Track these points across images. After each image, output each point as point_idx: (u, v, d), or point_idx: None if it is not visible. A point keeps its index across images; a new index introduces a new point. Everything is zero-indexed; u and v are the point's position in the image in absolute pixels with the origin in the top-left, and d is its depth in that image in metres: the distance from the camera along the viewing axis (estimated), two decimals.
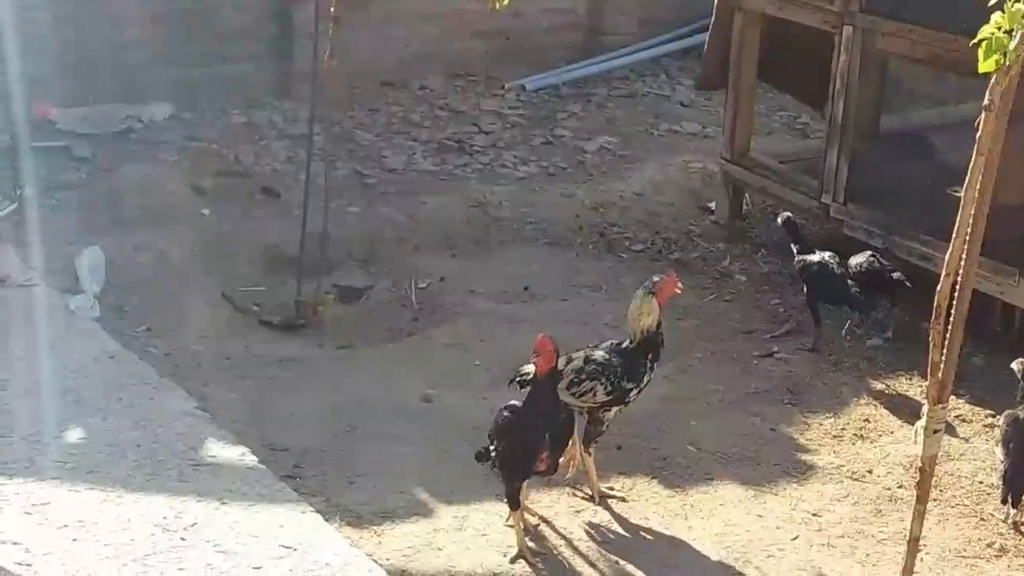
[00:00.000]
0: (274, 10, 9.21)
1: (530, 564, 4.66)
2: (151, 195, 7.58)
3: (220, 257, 7.09)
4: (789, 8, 7.15)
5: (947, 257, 3.03)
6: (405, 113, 9.32)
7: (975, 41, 2.84)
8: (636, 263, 7.50)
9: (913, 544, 3.78)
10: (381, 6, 9.56)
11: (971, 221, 2.93)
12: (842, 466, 5.53)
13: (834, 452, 5.65)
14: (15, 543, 4.26)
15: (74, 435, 4.90)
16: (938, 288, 3.08)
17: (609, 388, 4.94)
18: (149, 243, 6.99)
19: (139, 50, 8.74)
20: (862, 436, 5.78)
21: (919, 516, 3.57)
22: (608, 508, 5.10)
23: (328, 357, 6.30)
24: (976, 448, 5.65)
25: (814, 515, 5.15)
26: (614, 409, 5.03)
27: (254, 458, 4.92)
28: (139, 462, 4.75)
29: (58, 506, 4.48)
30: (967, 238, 2.97)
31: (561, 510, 5.07)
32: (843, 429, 5.84)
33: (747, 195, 8.06)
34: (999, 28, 2.69)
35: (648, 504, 5.15)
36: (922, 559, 4.66)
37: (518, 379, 5.09)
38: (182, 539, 4.37)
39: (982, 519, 5.17)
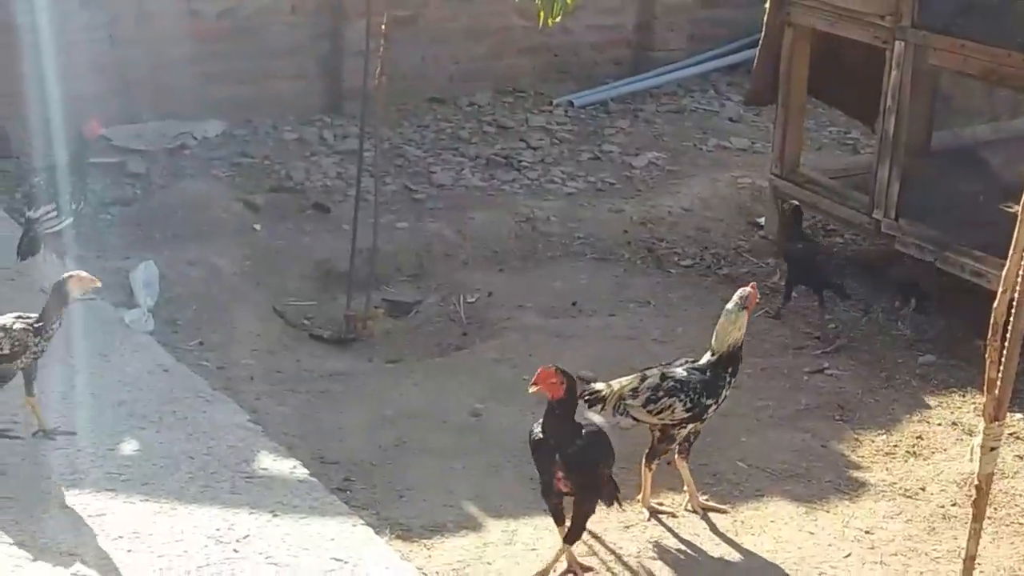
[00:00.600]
0: (325, 28, 9.30)
1: None
2: (204, 211, 7.67)
3: (271, 272, 7.16)
4: (840, 24, 7.13)
5: (1004, 273, 3.01)
6: (454, 129, 9.37)
7: None
8: (684, 278, 7.49)
9: (969, 563, 3.74)
10: (430, 23, 9.64)
11: None
12: (894, 483, 5.48)
13: (886, 469, 5.60)
14: (71, 554, 4.31)
15: (129, 447, 4.96)
16: (995, 305, 3.06)
17: (689, 405, 4.92)
18: (202, 258, 7.07)
19: (193, 68, 8.85)
20: (915, 453, 5.73)
21: (975, 535, 3.54)
22: (659, 524, 5.09)
23: (378, 371, 6.33)
24: None
25: (866, 533, 5.11)
26: (689, 427, 5.01)
27: (305, 471, 4.95)
28: (192, 474, 4.79)
29: (113, 517, 4.53)
30: None
31: (611, 526, 5.06)
32: (895, 446, 5.79)
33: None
34: None
35: (698, 520, 5.13)
36: None
37: (587, 397, 5.06)
38: (235, 551, 4.41)
39: None
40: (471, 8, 9.85)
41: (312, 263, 7.28)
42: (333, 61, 9.32)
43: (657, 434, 5.05)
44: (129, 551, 4.35)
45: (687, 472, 5.17)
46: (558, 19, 6.12)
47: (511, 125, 9.50)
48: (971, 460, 3.20)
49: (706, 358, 5.01)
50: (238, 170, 8.37)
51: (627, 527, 5.07)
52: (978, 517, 3.36)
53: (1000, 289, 3.03)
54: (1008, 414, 5.95)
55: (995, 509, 5.25)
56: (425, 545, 4.79)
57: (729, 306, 4.99)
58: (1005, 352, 3.02)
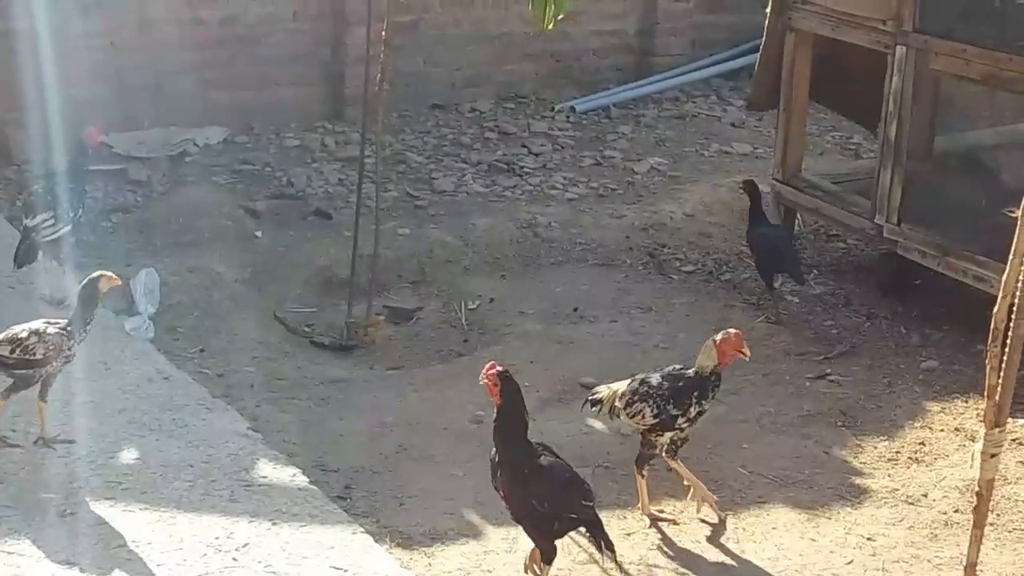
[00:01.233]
0: (327, 35, 9.30)
1: None
2: (205, 217, 7.68)
3: (273, 279, 7.16)
4: (841, 29, 7.11)
5: (1004, 279, 2.99)
6: (455, 135, 9.37)
7: None
8: (686, 284, 7.47)
9: (970, 570, 3.72)
10: (431, 29, 9.64)
11: None
12: (897, 490, 5.46)
13: (889, 476, 5.58)
14: (70, 562, 4.31)
15: (129, 455, 4.95)
16: (995, 310, 3.04)
17: (655, 411, 4.96)
18: (203, 265, 7.07)
19: (194, 75, 8.85)
20: (917, 459, 5.71)
21: (976, 541, 3.52)
22: (659, 531, 5.07)
23: (379, 378, 6.33)
24: None
25: (868, 539, 5.09)
26: (667, 435, 5.01)
27: (305, 479, 4.94)
28: (192, 482, 4.78)
29: (112, 526, 4.52)
30: None
31: (612, 533, 5.02)
32: (898, 452, 5.77)
33: (799, 216, 8.01)
34: None
35: (700, 527, 5.11)
36: None
37: (589, 398, 5.21)
38: (234, 559, 4.40)
39: None
40: (473, 14, 9.85)
41: (313, 270, 7.28)
42: (335, 68, 9.33)
43: (639, 438, 5.10)
44: (128, 560, 4.34)
45: (682, 468, 5.16)
46: (551, 25, 6.12)
47: (513, 131, 9.50)
48: (972, 466, 3.18)
49: (691, 371, 5.06)
50: (239, 177, 8.38)
51: (628, 534, 5.05)
52: (979, 524, 3.34)
53: (1000, 295, 3.02)
54: (1010, 419, 5.93)
55: (997, 515, 5.23)
56: (425, 553, 4.78)
57: (713, 337, 5.05)
58: (1005, 358, 3.00)
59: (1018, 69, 6.12)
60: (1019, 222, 2.97)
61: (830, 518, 5.24)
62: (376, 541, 4.66)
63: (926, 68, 6.72)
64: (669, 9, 10.67)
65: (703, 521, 5.13)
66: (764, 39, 7.68)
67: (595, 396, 5.19)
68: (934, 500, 5.38)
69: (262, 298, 6.97)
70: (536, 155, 9.09)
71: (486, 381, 4.40)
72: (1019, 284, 2.92)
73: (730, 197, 8.49)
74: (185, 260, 7.11)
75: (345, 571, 4.40)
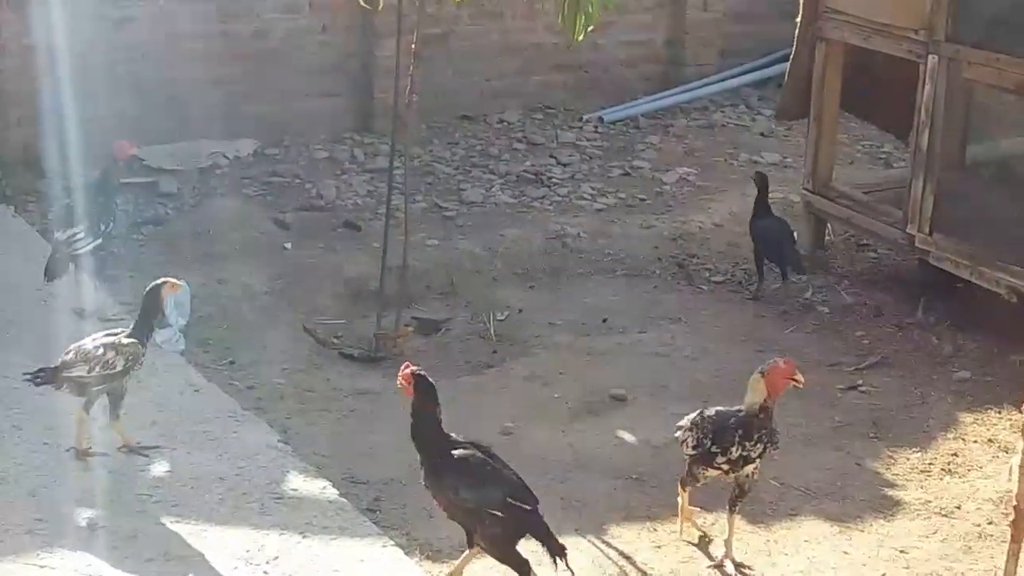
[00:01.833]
0: (356, 47, 9.33)
1: None
2: (236, 230, 7.71)
3: (302, 290, 7.17)
4: (873, 38, 7.08)
5: None
6: (483, 146, 9.38)
7: None
8: (716, 295, 7.44)
9: None
10: (460, 41, 9.66)
11: None
12: (930, 502, 5.41)
13: (921, 487, 5.54)
14: None
15: (160, 468, 4.97)
16: None
17: (694, 443, 4.85)
18: (233, 277, 7.10)
19: (224, 87, 8.91)
20: (950, 471, 5.66)
21: (1014, 556, 3.48)
22: (690, 544, 5.04)
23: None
24: None
25: (901, 552, 5.05)
26: (709, 471, 4.86)
27: (335, 491, 4.94)
28: (223, 495, 4.80)
29: (143, 539, 4.54)
30: None
31: (642, 546, 5.02)
32: (930, 464, 5.72)
33: (829, 226, 7.98)
34: None
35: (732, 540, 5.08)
36: None
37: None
38: (264, 572, 4.40)
39: None
40: (501, 25, 9.87)
41: (342, 281, 7.29)
42: (364, 80, 9.36)
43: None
44: (159, 573, 4.35)
45: (729, 526, 4.92)
46: (581, 37, 6.13)
47: (541, 142, 9.50)
48: (1010, 479, 3.14)
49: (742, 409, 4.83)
50: (269, 189, 8.41)
51: (659, 547, 5.03)
52: (1017, 537, 3.30)
53: None
54: None
55: None
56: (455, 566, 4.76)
57: (760, 368, 4.79)
58: None
59: None
60: None
61: (862, 530, 5.20)
62: (406, 554, 4.66)
63: (958, 77, 6.68)
64: (697, 19, 10.65)
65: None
66: (794, 49, 7.65)
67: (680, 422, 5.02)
68: (968, 512, 5.33)
69: (291, 310, 6.97)
70: (564, 166, 9.08)
71: (402, 381, 4.49)
72: None
73: None
74: (215, 272, 7.13)
75: None
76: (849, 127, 9.58)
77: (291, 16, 9.18)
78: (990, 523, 5.24)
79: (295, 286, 7.19)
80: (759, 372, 4.77)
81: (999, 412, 6.11)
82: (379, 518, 4.99)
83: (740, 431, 4.74)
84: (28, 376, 4.93)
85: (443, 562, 4.78)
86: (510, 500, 4.36)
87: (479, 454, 4.47)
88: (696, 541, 5.06)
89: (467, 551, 4.52)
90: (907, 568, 4.94)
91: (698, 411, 4.97)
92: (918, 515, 5.32)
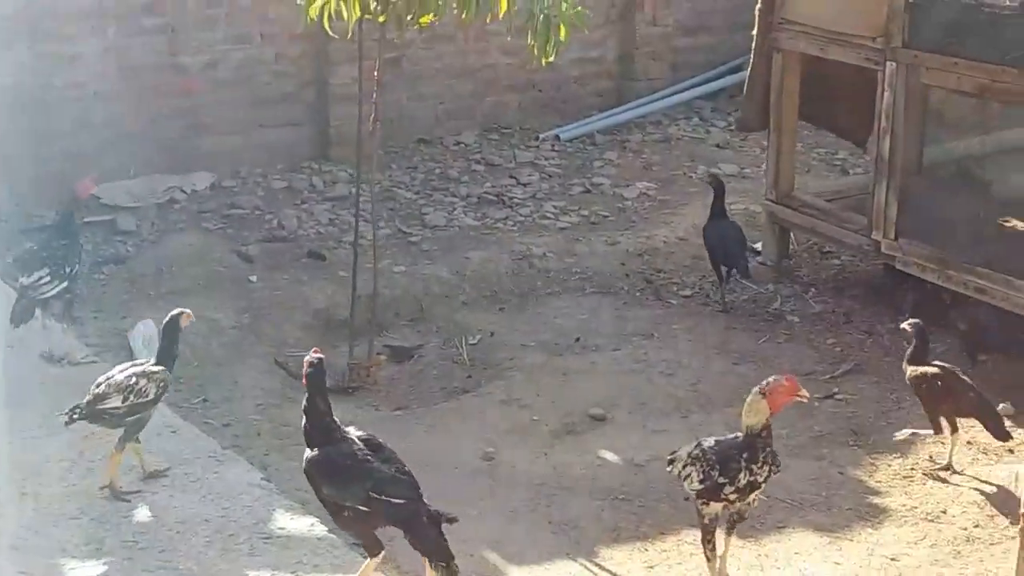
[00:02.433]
0: (311, 75, 9.27)
1: None
2: (198, 264, 7.61)
3: (270, 323, 7.08)
4: (830, 47, 7.13)
5: None
6: (442, 169, 9.34)
7: None
8: (685, 309, 7.45)
9: None
10: (413, 64, 9.63)
11: None
12: (915, 507, 5.44)
13: (906, 493, 5.56)
14: None
15: (144, 513, 4.87)
16: None
17: (701, 477, 4.60)
18: (199, 313, 6.91)
19: (178, 121, 8.82)
20: (933, 474, 5.69)
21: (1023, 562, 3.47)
22: (684, 561, 5.03)
23: (385, 419, 6.25)
24: None
25: (892, 559, 5.06)
26: (715, 506, 4.60)
27: (323, 528, 4.87)
28: (210, 538, 4.71)
29: None
30: None
31: (635, 567, 5.01)
32: (912, 469, 5.75)
33: (792, 235, 8.02)
34: None
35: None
36: None
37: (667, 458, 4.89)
38: None
39: None
40: (454, 48, 9.85)
41: (311, 312, 7.22)
42: (319, 108, 9.30)
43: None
44: None
45: (726, 546, 4.77)
46: (552, 58, 6.13)
47: (499, 162, 9.48)
48: (1016, 487, 3.14)
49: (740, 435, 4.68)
50: (229, 221, 8.31)
51: (651, 567, 5.02)
52: None
53: None
54: (1022, 429, 5.97)
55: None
56: None
57: (760, 387, 4.66)
58: None
59: (1011, 80, 6.14)
60: None
61: (852, 540, 5.21)
62: None
63: (917, 83, 6.74)
64: (647, 34, 10.70)
65: None
66: (752, 61, 7.69)
67: (671, 455, 4.83)
68: (953, 516, 5.36)
69: (261, 344, 6.89)
70: (525, 185, 9.07)
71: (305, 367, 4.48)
72: None
73: None
74: (180, 308, 7.00)
75: None
76: (803, 135, 9.62)
77: (242, 46, 9.09)
78: (976, 526, 5.27)
79: (263, 319, 7.10)
80: (759, 392, 4.61)
81: None
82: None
83: (745, 455, 4.56)
84: (64, 415, 4.94)
85: None
86: (373, 495, 4.29)
87: (351, 448, 4.37)
88: None
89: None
90: (899, 575, 4.95)
91: (695, 444, 4.72)
92: (905, 521, 5.34)
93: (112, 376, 5.00)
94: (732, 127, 10.30)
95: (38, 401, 5.63)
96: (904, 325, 5.88)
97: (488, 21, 6.29)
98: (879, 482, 5.65)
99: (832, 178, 9.27)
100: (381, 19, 6.18)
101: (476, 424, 6.14)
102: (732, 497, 4.58)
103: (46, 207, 7.67)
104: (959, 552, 5.11)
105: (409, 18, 6.17)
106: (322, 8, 6.09)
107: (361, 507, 4.31)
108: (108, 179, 8.22)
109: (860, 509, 5.43)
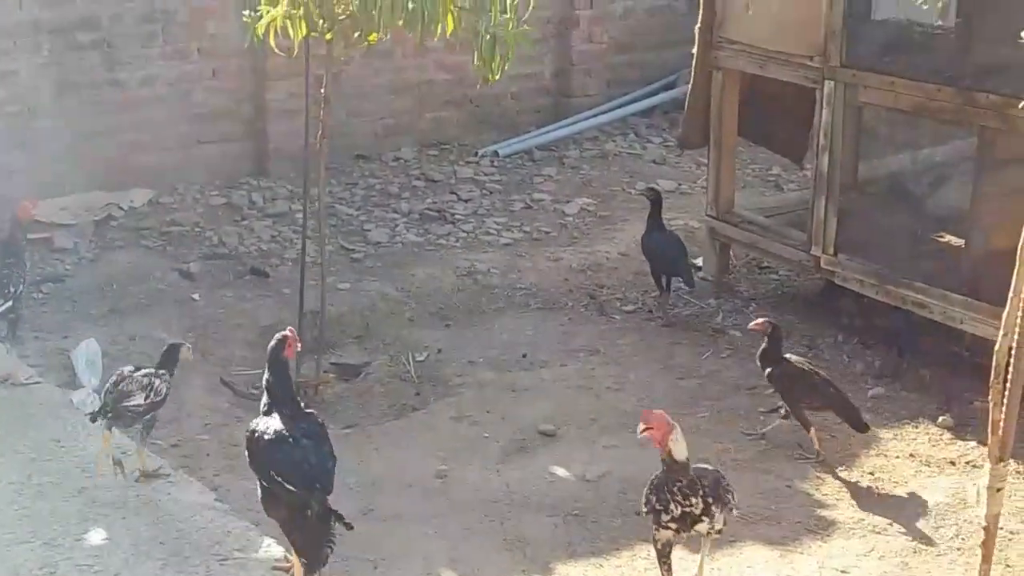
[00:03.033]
0: (248, 91, 9.22)
1: None
2: (139, 282, 7.53)
3: (215, 342, 7.02)
4: (769, 66, 7.25)
5: (1004, 316, 3.06)
6: (383, 185, 9.34)
7: None
8: (630, 324, 7.51)
9: None
10: (352, 80, 9.60)
11: None
12: (863, 520, 5.53)
13: (852, 505, 5.66)
14: None
15: (96, 537, 4.79)
16: (996, 348, 3.11)
17: (644, 501, 4.57)
18: (143, 332, 6.92)
19: (115, 137, 8.72)
20: (877, 488, 5.80)
21: None
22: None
23: (335, 438, 6.03)
24: None
25: (842, 572, 5.15)
26: (664, 532, 4.54)
27: (279, 549, 4.82)
28: (165, 560, 4.65)
29: None
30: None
31: None
32: (857, 482, 5.85)
33: (732, 250, 8.13)
34: None
35: (674, 572, 5.10)
36: None
37: None
38: None
39: (1008, 565, 5.18)
40: (392, 64, 9.86)
41: (256, 330, 7.15)
42: (258, 124, 9.25)
43: None
44: None
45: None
46: (498, 76, 6.16)
47: (439, 178, 9.49)
48: (977, 501, 3.23)
49: None
50: (169, 239, 8.23)
51: None
52: (987, 558, 3.38)
53: (1001, 332, 3.09)
54: (961, 441, 6.11)
55: (963, 539, 5.33)
56: None
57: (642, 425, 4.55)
58: (1008, 394, 3.06)
59: (948, 99, 6.29)
60: (1018, 261, 3.04)
61: (802, 553, 5.28)
62: None
63: (855, 101, 6.87)
64: (583, 50, 10.80)
65: None
66: (692, 78, 7.78)
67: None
68: (900, 528, 5.46)
69: (206, 362, 6.82)
70: (466, 201, 9.10)
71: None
72: (1018, 322, 2.99)
73: None
74: (124, 328, 6.95)
75: None
76: (738, 152, 9.71)
77: (179, 62, 9.02)
78: (922, 538, 5.37)
79: (207, 338, 7.03)
80: (645, 430, 4.50)
81: (915, 426, 6.29)
82: (325, 572, 4.88)
83: (675, 486, 4.48)
84: (88, 415, 5.20)
85: None
86: (273, 474, 4.34)
87: (281, 424, 4.44)
88: None
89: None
90: None
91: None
92: (853, 533, 5.43)
93: (131, 375, 5.16)
94: (668, 143, 10.45)
95: None
96: (753, 325, 6.19)
97: (435, 39, 6.30)
98: (826, 495, 5.74)
99: (768, 194, 9.42)
100: (328, 37, 6.18)
101: (427, 441, 6.14)
102: (672, 526, 4.51)
103: None
104: (907, 564, 5.21)
105: (357, 36, 6.18)
106: (268, 26, 6.07)
107: (263, 484, 4.39)
108: (44, 196, 8.09)
109: (809, 522, 5.51)
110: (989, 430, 3.12)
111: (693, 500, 4.48)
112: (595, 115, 10.74)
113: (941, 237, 7.42)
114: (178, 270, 7.75)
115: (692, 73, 7.77)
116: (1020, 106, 2.89)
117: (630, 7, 11.12)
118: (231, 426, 6.22)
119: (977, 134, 6.58)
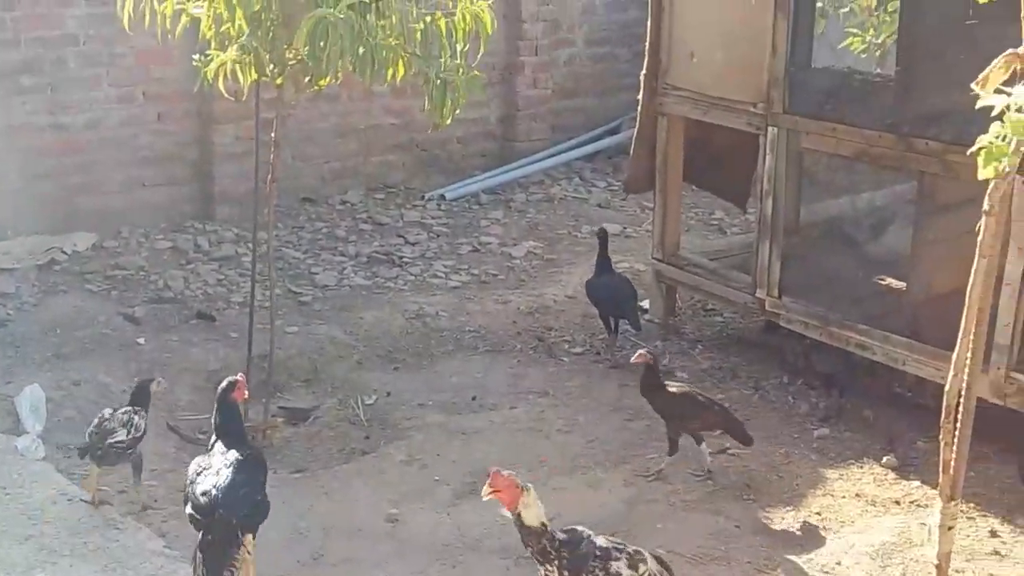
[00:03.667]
0: (194, 135, 9.20)
1: None
2: (84, 327, 7.45)
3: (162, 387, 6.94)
4: (713, 112, 7.36)
5: (954, 357, 3.13)
6: (330, 228, 9.34)
7: (973, 149, 2.96)
8: (578, 366, 7.56)
9: None
10: (299, 123, 9.62)
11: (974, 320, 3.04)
12: (811, 559, 5.58)
13: (799, 546, 5.70)
14: None
15: None
16: (947, 388, 3.18)
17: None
18: (88, 377, 6.84)
19: (58, 180, 8.66)
20: (824, 528, 5.85)
21: None
22: None
23: (284, 483, 6.18)
24: None
25: None
26: None
27: None
28: None
29: None
30: (972, 338, 3.08)
31: None
32: (804, 522, 5.91)
33: (678, 292, 8.21)
34: (998, 137, 2.82)
35: None
36: None
37: None
38: None
39: None
40: (339, 107, 9.90)
41: (203, 374, 7.11)
42: (203, 167, 9.23)
43: None
44: None
45: None
46: (449, 120, 6.21)
47: (386, 221, 9.52)
48: (929, 540, 3.29)
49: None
50: (113, 283, 8.16)
51: None
52: None
53: (951, 373, 3.16)
54: (905, 481, 6.20)
55: None
56: None
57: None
58: (957, 434, 3.13)
59: (888, 145, 6.43)
60: (967, 303, 3.12)
61: None
62: None
63: (798, 147, 7.00)
64: (528, 96, 10.92)
65: None
66: (638, 124, 7.89)
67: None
68: (847, 568, 5.51)
69: (153, 407, 6.74)
70: (413, 244, 9.12)
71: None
72: (967, 362, 3.07)
73: None
74: (68, 373, 6.86)
75: None
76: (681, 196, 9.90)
77: (125, 105, 9.00)
78: None
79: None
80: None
81: (860, 467, 6.37)
82: None
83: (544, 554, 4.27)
84: (78, 450, 5.49)
85: None
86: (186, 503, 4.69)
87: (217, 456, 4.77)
88: None
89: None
90: None
91: None
92: (802, 573, 5.47)
93: (113, 414, 5.43)
94: (612, 187, 10.57)
95: None
96: (635, 358, 6.34)
97: (385, 85, 6.34)
98: (775, 535, 5.79)
99: (711, 238, 9.54)
100: (278, 82, 6.20)
101: (377, 485, 6.12)
102: None
103: None
104: None
105: (307, 80, 6.20)
106: (218, 70, 6.08)
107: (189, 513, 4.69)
108: None
109: (758, 562, 5.55)
110: (940, 469, 3.18)
111: (548, 567, 4.25)
112: (540, 159, 10.85)
113: (883, 280, 7.55)
114: (123, 314, 7.68)
115: (638, 119, 7.88)
116: (968, 153, 2.98)
117: (574, 54, 11.26)
118: (178, 471, 6.14)
119: (917, 180, 6.72)
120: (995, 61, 3.03)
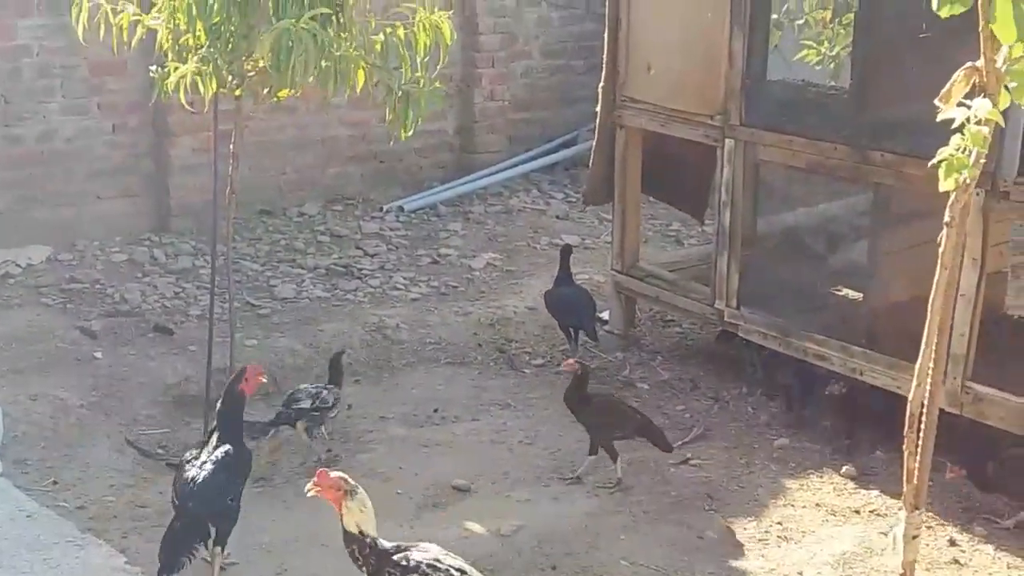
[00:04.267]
0: (148, 146, 9.14)
1: None
2: (39, 341, 7.36)
3: (119, 400, 6.89)
4: (671, 124, 7.41)
5: (917, 366, 3.18)
6: (288, 240, 9.30)
7: (935, 161, 3.00)
8: (539, 378, 7.57)
9: None
10: (255, 135, 9.56)
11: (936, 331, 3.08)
12: (773, 569, 5.61)
13: (762, 556, 5.74)
14: None
15: None
16: (910, 397, 3.22)
17: None
18: (45, 392, 6.76)
19: (11, 193, 8.58)
20: (786, 538, 5.89)
21: None
22: None
23: (246, 496, 6.08)
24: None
25: None
26: None
27: None
28: None
29: None
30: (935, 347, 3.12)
31: None
32: (767, 532, 5.94)
33: (637, 304, 8.24)
34: (959, 149, 2.86)
35: None
36: None
37: None
38: None
39: None
40: (296, 119, 9.86)
41: (162, 388, 7.05)
42: (159, 179, 9.17)
43: None
44: None
45: None
46: (410, 133, 6.22)
47: (345, 233, 9.49)
48: (894, 550, 3.32)
49: None
50: (69, 296, 8.08)
51: None
52: None
53: (914, 383, 3.20)
54: (865, 490, 6.26)
55: None
56: None
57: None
58: (921, 443, 3.17)
59: (843, 157, 6.50)
60: (929, 313, 3.16)
61: None
62: None
63: (755, 158, 7.06)
64: (485, 107, 10.94)
65: None
66: (596, 136, 7.92)
67: None
68: None
69: (110, 422, 6.70)
70: (372, 256, 9.10)
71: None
72: (930, 371, 3.11)
73: None
74: (24, 387, 6.78)
75: None
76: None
77: (78, 117, 8.93)
78: None
79: (111, 396, 6.90)
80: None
81: (820, 476, 6.42)
82: None
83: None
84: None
85: None
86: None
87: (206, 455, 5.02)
88: None
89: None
90: None
91: None
92: None
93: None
94: (570, 199, 10.60)
95: None
96: (564, 366, 6.49)
97: (346, 96, 6.33)
98: (736, 546, 5.82)
99: (669, 249, 9.59)
100: (237, 93, 6.17)
101: None
102: None
103: None
104: None
105: (266, 92, 6.18)
106: (178, 82, 6.04)
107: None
108: None
109: (721, 573, 5.57)
110: (903, 478, 3.22)
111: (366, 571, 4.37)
112: (499, 171, 10.87)
113: (839, 290, 7.62)
114: (79, 328, 7.60)
115: (596, 131, 7.91)
116: (929, 165, 3.02)
117: (531, 66, 11.29)
118: (137, 487, 6.11)
119: (873, 191, 6.79)
120: (956, 75, 3.07)
